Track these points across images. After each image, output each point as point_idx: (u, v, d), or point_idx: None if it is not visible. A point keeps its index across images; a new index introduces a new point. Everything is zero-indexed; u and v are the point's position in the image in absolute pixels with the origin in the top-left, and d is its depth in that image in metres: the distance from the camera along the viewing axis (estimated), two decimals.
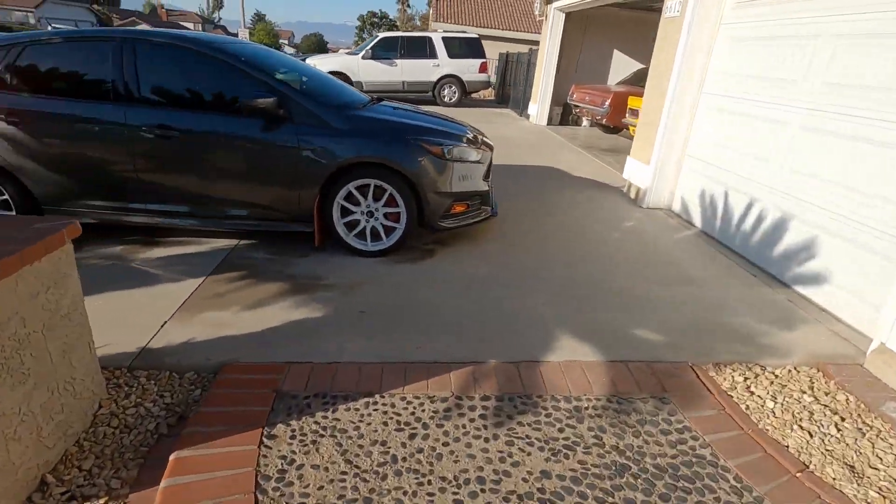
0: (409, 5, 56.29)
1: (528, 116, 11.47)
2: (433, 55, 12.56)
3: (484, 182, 3.67)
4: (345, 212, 3.37)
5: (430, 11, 22.12)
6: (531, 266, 3.45)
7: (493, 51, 18.25)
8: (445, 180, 3.35)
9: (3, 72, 3.18)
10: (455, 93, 12.91)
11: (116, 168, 3.21)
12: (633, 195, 5.30)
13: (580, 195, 5.39)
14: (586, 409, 2.09)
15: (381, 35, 12.80)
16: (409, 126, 3.47)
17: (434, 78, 12.66)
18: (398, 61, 12.46)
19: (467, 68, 12.75)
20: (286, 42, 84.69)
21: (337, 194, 3.28)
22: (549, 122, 10.94)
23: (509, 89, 14.19)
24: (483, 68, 12.92)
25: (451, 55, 12.67)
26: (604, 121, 9.28)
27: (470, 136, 3.72)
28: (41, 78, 3.19)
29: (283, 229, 3.40)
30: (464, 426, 1.95)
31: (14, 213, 3.28)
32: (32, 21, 39.22)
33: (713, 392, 2.23)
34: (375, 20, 51.43)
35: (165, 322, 2.55)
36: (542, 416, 2.03)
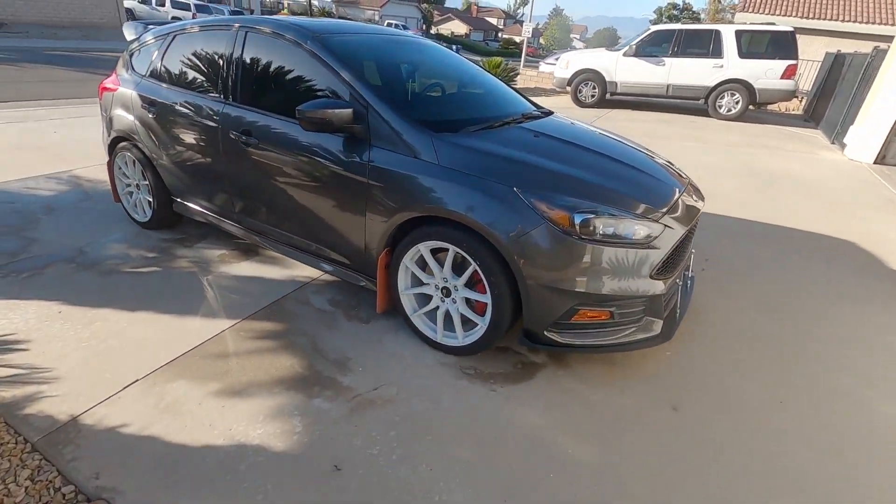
0: None
1: (842, 146, 7.91)
2: (717, 53, 9.86)
3: (659, 279, 2.09)
4: (416, 281, 2.34)
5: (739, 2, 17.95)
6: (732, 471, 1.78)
7: (814, 48, 13.70)
8: (568, 268, 1.95)
9: (155, 63, 3.19)
10: (738, 102, 9.95)
11: (213, 170, 2.90)
12: None
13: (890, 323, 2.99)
14: None
15: (654, 28, 10.69)
16: (527, 167, 2.14)
17: (711, 82, 9.97)
18: (667, 60, 10.22)
19: (764, 71, 9.60)
20: (577, 37, 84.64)
21: (405, 254, 2.25)
22: (882, 160, 7.27)
23: (825, 103, 10.20)
24: (789, 73, 9.53)
25: (744, 54, 9.72)
26: None
27: (662, 205, 2.17)
28: (176, 69, 3.07)
29: (347, 278, 2.57)
30: None
31: (150, 199, 3.34)
32: (377, 18, 48.56)
33: None
34: (675, 13, 45.76)
35: (134, 382, 2.04)
36: None
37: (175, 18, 25.83)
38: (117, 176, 3.57)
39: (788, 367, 2.40)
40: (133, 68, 3.35)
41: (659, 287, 2.12)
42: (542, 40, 76.38)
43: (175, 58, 3.08)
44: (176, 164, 3.10)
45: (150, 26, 3.42)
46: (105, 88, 3.49)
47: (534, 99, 3.15)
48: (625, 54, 10.55)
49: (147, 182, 3.32)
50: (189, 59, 3.01)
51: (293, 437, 1.80)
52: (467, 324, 2.25)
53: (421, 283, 2.32)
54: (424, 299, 2.35)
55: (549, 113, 3.05)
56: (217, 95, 2.80)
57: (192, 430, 1.81)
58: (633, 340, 2.15)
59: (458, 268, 2.18)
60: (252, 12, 35.29)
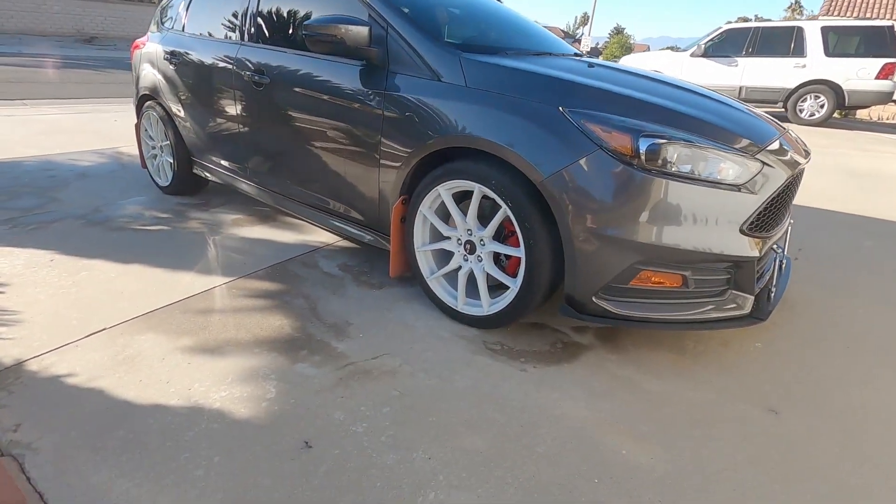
0: (800, 8, 45.61)
1: None
2: (799, 52, 8.94)
3: (753, 237, 1.58)
4: (436, 235, 1.93)
5: (822, 11, 16.55)
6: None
7: None
8: (628, 211, 1.48)
9: (180, 14, 3.02)
10: (823, 106, 8.94)
11: (228, 120, 2.64)
12: None
13: None
14: None
15: (726, 27, 9.90)
16: (578, 87, 1.67)
17: (791, 84, 9.03)
18: (740, 60, 9.39)
19: (855, 71, 8.58)
20: None
21: (422, 200, 1.85)
22: None
23: None
24: (886, 72, 8.46)
25: (832, 52, 8.75)
26: None
27: (761, 140, 1.65)
28: (198, 18, 2.88)
29: (353, 236, 2.20)
30: None
31: (172, 160, 3.15)
32: None
33: None
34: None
35: (100, 331, 1.74)
36: None
37: None
38: (143, 139, 3.43)
39: None
40: (161, 23, 3.21)
41: (751, 248, 1.59)
42: (601, 59, 75.00)
43: (198, 7, 2.89)
44: (194, 119, 2.88)
45: None
46: (136, 46, 3.37)
47: None
48: (692, 55, 9.81)
49: (169, 142, 3.13)
50: (210, 6, 2.80)
51: (262, 404, 1.42)
52: (495, 290, 1.80)
53: (441, 238, 1.90)
54: (444, 258, 1.93)
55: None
56: (234, 38, 2.56)
57: (145, 386, 1.47)
58: (713, 318, 1.62)
59: (485, 218, 1.75)
60: None
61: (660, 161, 1.46)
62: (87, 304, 1.91)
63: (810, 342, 1.92)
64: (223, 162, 2.82)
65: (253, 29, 2.47)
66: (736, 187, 1.51)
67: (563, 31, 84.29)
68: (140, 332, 1.75)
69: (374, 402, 1.46)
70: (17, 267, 2.20)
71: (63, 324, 1.78)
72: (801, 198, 3.96)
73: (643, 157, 1.45)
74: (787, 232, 2.06)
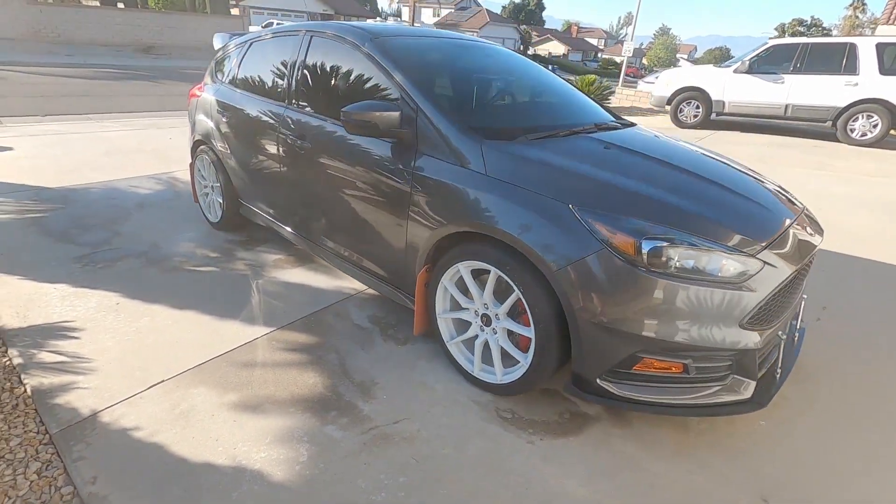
0: (863, 6, 42.95)
1: None
2: (851, 69, 8.58)
3: (754, 330, 1.66)
4: (455, 304, 2.09)
5: (886, 12, 15.64)
6: None
7: None
8: (630, 306, 1.60)
9: (233, 69, 3.29)
10: (876, 126, 8.55)
11: (273, 173, 2.89)
12: None
13: None
14: None
15: (772, 42, 9.59)
16: (589, 181, 1.80)
17: (842, 102, 8.67)
18: (787, 77, 9.09)
19: None
20: (684, 56, 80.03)
21: (444, 273, 2.02)
22: None
23: None
24: None
25: (887, 70, 8.36)
26: None
27: (763, 237, 1.72)
28: (249, 75, 3.14)
29: (385, 293, 2.39)
30: None
31: (221, 200, 3.44)
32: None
33: None
34: (801, 29, 41.29)
35: (160, 382, 2.00)
36: None
37: None
38: (196, 178, 3.75)
39: None
40: (216, 76, 3.51)
41: (752, 339, 1.67)
42: (644, 60, 73.24)
43: (249, 64, 3.16)
44: (242, 168, 3.15)
45: (235, 36, 3.56)
46: (192, 95, 3.69)
47: (627, 118, 2.79)
48: (735, 71, 9.56)
49: (219, 184, 3.42)
50: (260, 66, 3.06)
51: (295, 467, 1.62)
52: (508, 359, 1.95)
53: (460, 308, 2.06)
54: (463, 326, 2.09)
55: (631, 125, 2.68)
56: (280, 100, 2.80)
57: (198, 442, 1.70)
58: (713, 403, 1.71)
59: (502, 294, 1.90)
60: None
61: (661, 261, 1.57)
62: (148, 353, 2.18)
63: (819, 420, 1.97)
64: (265, 207, 3.08)
65: (297, 93, 2.70)
66: (736, 286, 1.60)
67: (605, 31, 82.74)
68: (193, 386, 1.99)
69: (393, 470, 1.63)
70: (89, 310, 2.51)
71: (128, 374, 2.04)
72: (831, 240, 3.89)
73: (645, 258, 1.56)
74: (800, 306, 2.12)
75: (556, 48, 60.45)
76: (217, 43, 3.70)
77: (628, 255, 1.57)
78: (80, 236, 3.41)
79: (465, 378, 2.07)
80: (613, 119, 2.74)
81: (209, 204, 3.65)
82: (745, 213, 1.81)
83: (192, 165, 3.78)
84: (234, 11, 28.28)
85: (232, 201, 3.38)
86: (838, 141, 8.95)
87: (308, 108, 2.60)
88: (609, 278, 1.59)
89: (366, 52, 2.35)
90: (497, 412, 1.91)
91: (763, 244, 1.68)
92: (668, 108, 10.52)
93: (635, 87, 14.76)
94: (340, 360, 2.19)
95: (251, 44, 3.20)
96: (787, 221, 1.86)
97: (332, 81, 2.58)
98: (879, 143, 8.68)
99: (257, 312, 2.56)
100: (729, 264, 1.61)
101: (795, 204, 2.09)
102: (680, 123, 10.28)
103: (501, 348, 1.93)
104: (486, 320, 1.96)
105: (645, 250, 1.56)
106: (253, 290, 2.79)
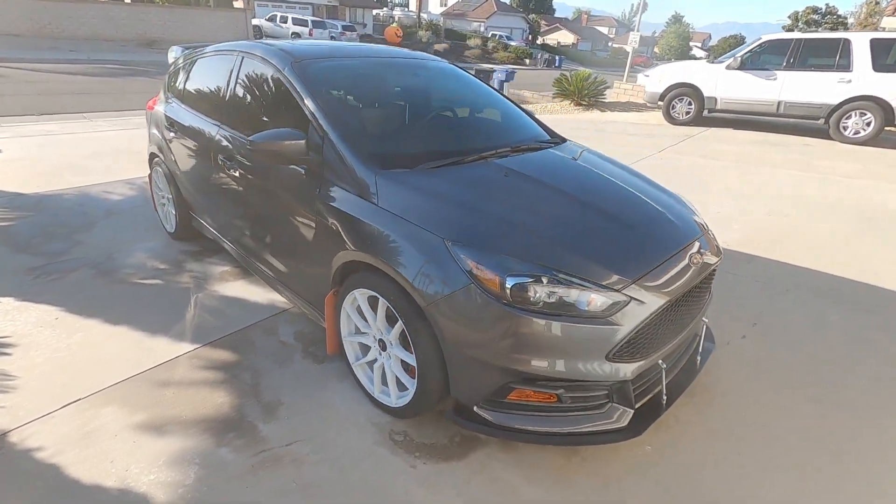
0: None
1: None
2: (845, 66, 8.40)
3: (624, 362, 1.70)
4: (358, 328, 2.14)
5: (893, 4, 15.17)
6: None
7: None
8: (497, 340, 1.64)
9: (180, 85, 3.36)
10: (870, 124, 8.38)
11: (212, 190, 2.96)
12: None
13: None
14: None
15: (766, 38, 9.40)
16: (472, 214, 1.84)
17: (835, 100, 8.51)
18: (780, 73, 8.93)
19: None
20: (698, 45, 78.36)
21: (345, 298, 2.08)
22: None
23: None
24: None
25: (880, 66, 8.17)
26: None
27: (634, 271, 1.75)
28: (192, 92, 3.21)
29: (306, 311, 2.45)
30: None
31: (174, 212, 3.53)
32: (482, 29, 49.05)
33: None
34: (815, 17, 40.15)
35: (74, 402, 2.09)
36: None
37: (295, 35, 28.28)
38: (154, 188, 3.84)
39: (817, 484, 1.82)
40: (167, 90, 3.58)
41: (625, 371, 1.71)
42: (656, 49, 71.91)
43: (193, 81, 3.23)
44: (190, 182, 3.23)
45: (187, 50, 3.62)
46: (148, 107, 3.77)
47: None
48: (728, 67, 9.41)
49: (172, 196, 3.51)
50: (201, 84, 3.12)
51: (179, 490, 1.70)
52: (404, 386, 2.00)
53: (360, 332, 2.12)
54: (366, 348, 2.15)
55: (558, 142, 2.69)
56: (216, 119, 2.86)
57: (92, 464, 1.79)
58: (588, 432, 1.76)
59: (393, 321, 1.95)
60: (364, 27, 37.53)
61: (526, 297, 1.61)
62: (74, 370, 2.27)
63: (711, 444, 2.00)
64: (211, 221, 3.16)
65: (228, 114, 2.76)
66: (601, 320, 1.64)
67: (615, 19, 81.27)
68: (106, 405, 2.08)
69: (274, 495, 1.70)
70: (28, 325, 2.61)
71: (49, 391, 2.14)
72: (785, 250, 3.86)
73: (509, 294, 1.60)
74: (699, 330, 2.15)
75: (565, 38, 59.59)
76: (171, 56, 3.77)
77: (493, 290, 1.62)
78: (42, 245, 3.52)
79: (369, 399, 2.13)
80: (546, 136, 2.76)
81: (165, 214, 3.74)
82: (623, 247, 1.84)
83: (150, 176, 3.87)
84: (238, 4, 28.33)
85: (184, 213, 3.46)
86: (831, 139, 8.80)
87: (235, 130, 2.66)
88: (476, 313, 1.64)
89: (285, 76, 2.40)
90: (390, 434, 1.98)
91: (631, 279, 1.70)
92: (660, 104, 10.40)
93: (635, 81, 14.57)
94: (254, 379, 2.27)
95: (196, 61, 3.26)
96: (670, 252, 1.88)
97: (256, 104, 2.64)
98: (873, 141, 8.51)
99: (189, 327, 2.65)
100: (597, 299, 1.64)
101: (693, 228, 2.10)
102: (672, 120, 10.16)
103: (397, 374, 1.99)
104: (383, 345, 2.02)
105: (508, 286, 1.60)
106: (191, 304, 2.88)
